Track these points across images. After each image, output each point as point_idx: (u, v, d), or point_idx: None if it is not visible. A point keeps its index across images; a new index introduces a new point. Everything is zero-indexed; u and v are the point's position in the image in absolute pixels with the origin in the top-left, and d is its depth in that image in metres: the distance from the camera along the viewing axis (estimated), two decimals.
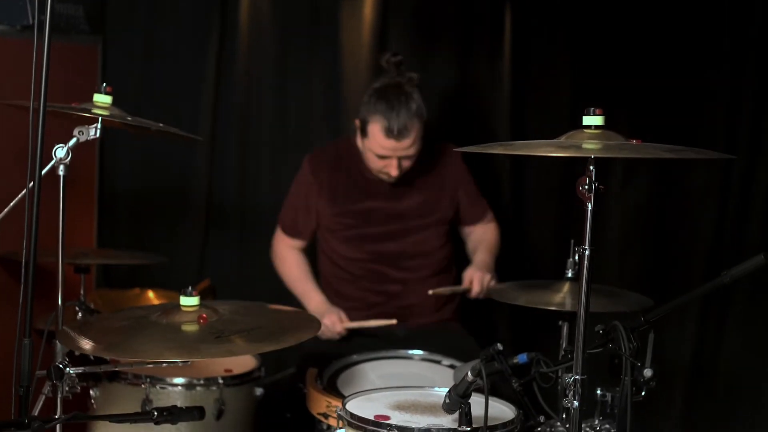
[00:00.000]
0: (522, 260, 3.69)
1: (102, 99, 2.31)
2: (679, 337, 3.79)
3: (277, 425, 2.95)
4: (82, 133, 2.16)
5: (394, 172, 3.03)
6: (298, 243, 3.26)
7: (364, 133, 3.04)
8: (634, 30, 3.72)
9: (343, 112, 3.64)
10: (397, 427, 2.12)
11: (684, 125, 3.65)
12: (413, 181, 3.14)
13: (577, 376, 1.89)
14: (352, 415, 2.19)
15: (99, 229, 3.56)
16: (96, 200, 3.55)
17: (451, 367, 2.80)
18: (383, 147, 2.99)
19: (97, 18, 3.46)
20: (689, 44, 3.72)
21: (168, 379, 2.61)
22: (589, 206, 1.86)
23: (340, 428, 2.20)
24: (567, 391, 1.91)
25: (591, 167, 1.85)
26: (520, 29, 3.74)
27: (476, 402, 2.12)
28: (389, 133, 2.95)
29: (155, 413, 1.87)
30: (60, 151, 2.12)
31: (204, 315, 2.08)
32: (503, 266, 3.24)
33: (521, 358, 2.18)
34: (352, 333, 3.03)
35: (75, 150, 2.14)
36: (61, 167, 2.13)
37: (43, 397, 2.20)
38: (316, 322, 2.20)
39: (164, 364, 2.28)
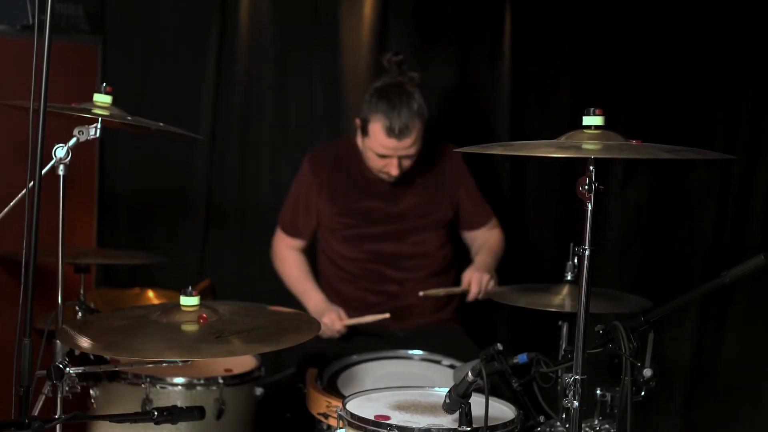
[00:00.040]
0: (522, 260, 3.69)
1: (102, 99, 2.31)
2: (679, 337, 3.78)
3: (277, 425, 2.95)
4: (82, 133, 2.16)
5: (394, 171, 3.03)
6: (298, 243, 3.26)
7: (365, 132, 3.04)
8: (634, 30, 3.71)
9: (343, 112, 3.64)
10: (398, 427, 2.12)
11: (684, 125, 3.64)
12: (413, 181, 3.15)
13: (577, 376, 1.89)
14: (352, 415, 2.19)
15: (99, 229, 3.56)
16: (96, 200, 3.55)
17: (451, 367, 2.80)
18: (384, 146, 2.99)
19: (97, 18, 3.46)
20: (689, 44, 3.71)
21: (168, 379, 2.61)
22: (589, 206, 1.86)
23: (341, 428, 2.20)
24: (567, 391, 1.91)
25: (591, 167, 1.85)
26: (520, 29, 3.73)
27: (476, 402, 2.12)
28: (390, 132, 2.96)
29: (155, 413, 1.87)
30: (60, 151, 2.12)
31: (204, 315, 2.08)
32: (503, 266, 3.24)
33: (521, 358, 2.18)
34: (352, 332, 3.02)
35: (75, 150, 2.14)
36: (61, 167, 2.13)
37: (43, 397, 2.19)
38: (315, 324, 2.20)
39: (164, 364, 2.28)
